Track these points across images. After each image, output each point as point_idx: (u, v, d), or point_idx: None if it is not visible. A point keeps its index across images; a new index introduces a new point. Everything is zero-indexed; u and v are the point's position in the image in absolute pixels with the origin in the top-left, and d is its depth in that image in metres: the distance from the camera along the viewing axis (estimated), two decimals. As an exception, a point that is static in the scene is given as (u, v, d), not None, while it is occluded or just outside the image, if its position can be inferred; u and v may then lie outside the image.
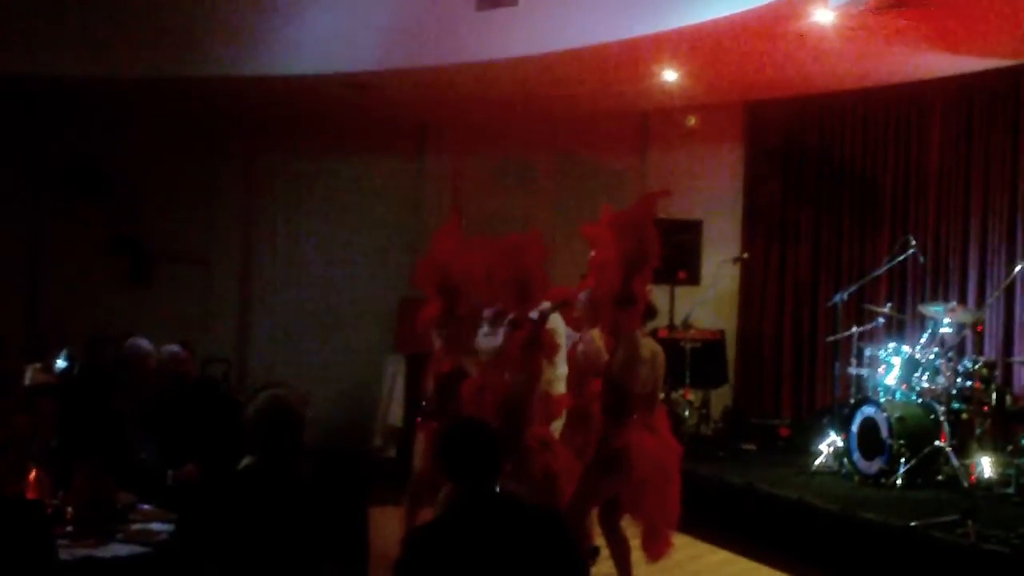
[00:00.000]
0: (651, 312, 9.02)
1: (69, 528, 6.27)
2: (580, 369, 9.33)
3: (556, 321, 9.42)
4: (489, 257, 9.88)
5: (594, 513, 9.32)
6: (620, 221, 9.12)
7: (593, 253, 9.26)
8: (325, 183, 16.53)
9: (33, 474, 6.47)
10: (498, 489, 5.38)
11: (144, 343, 9.23)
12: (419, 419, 10.33)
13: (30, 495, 6.34)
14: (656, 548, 8.60)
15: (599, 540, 9.41)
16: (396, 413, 15.08)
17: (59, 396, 7.94)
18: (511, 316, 9.32)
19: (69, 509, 6.38)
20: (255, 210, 16.76)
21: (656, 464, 8.48)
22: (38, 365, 10.88)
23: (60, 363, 11.30)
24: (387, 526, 10.09)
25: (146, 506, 6.85)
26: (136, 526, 6.45)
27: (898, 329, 13.34)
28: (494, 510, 5.23)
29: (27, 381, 9.82)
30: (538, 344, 9.10)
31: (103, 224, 15.98)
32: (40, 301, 15.67)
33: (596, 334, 9.27)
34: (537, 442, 8.98)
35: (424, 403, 10.26)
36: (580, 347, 9.42)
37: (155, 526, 6.44)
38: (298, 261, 16.53)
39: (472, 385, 9.66)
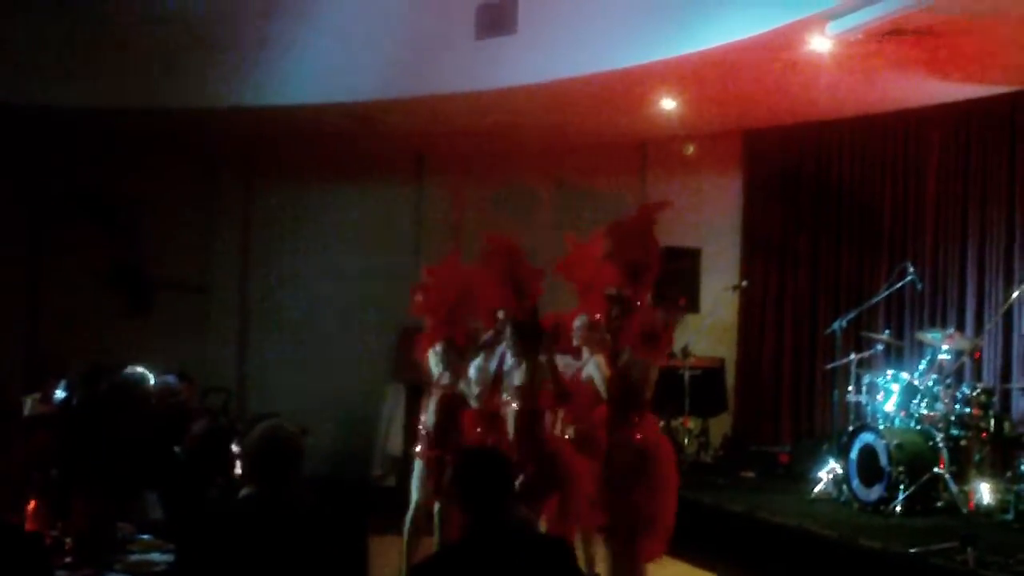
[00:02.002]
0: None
1: (68, 559, 6.26)
2: (587, 394, 9.32)
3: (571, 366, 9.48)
4: (491, 284, 9.97)
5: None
6: (620, 230, 9.20)
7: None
8: (324, 212, 16.54)
9: (32, 505, 6.47)
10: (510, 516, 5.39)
11: (142, 373, 9.24)
12: (419, 447, 10.35)
13: (29, 526, 6.33)
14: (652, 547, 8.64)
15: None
16: (396, 442, 15.05)
17: (58, 426, 7.94)
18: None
19: (68, 540, 6.37)
20: (254, 239, 16.77)
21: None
22: (37, 395, 10.88)
23: (59, 393, 11.29)
24: (387, 555, 10.12)
25: (145, 536, 6.85)
26: (135, 556, 6.44)
27: (896, 356, 13.37)
28: (506, 538, 5.24)
29: (26, 411, 9.81)
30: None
31: (103, 253, 15.98)
32: (40, 331, 15.67)
33: (601, 360, 9.27)
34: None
35: (424, 432, 10.28)
36: (585, 372, 9.42)
37: (154, 556, 6.43)
38: (297, 289, 16.52)
39: (471, 415, 9.70)
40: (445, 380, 10.13)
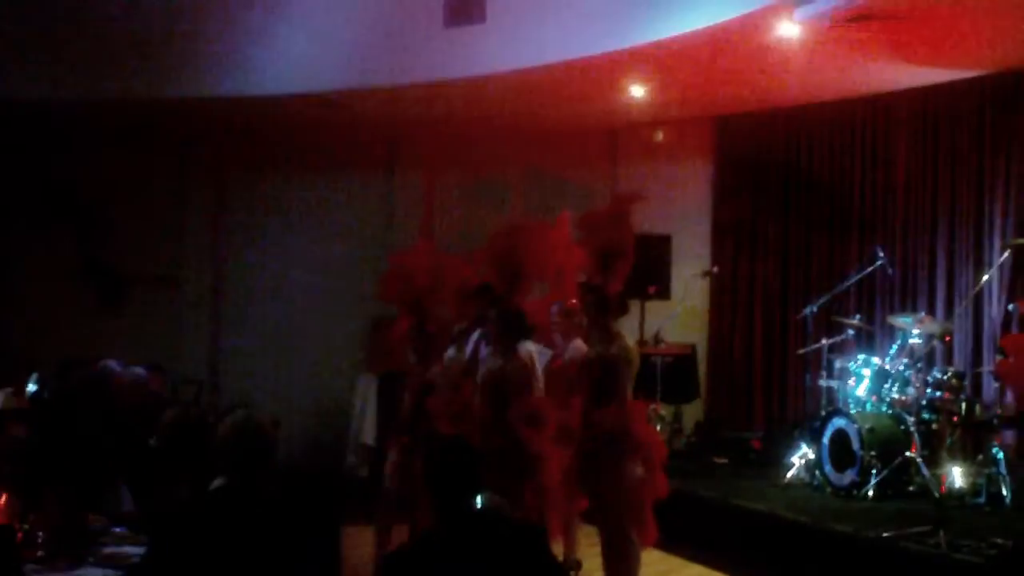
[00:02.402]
0: (623, 307, 9.09)
1: (40, 553, 6.24)
2: (566, 380, 9.30)
3: (527, 347, 9.45)
4: (460, 271, 9.97)
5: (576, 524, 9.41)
6: (594, 219, 9.23)
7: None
8: (295, 202, 16.51)
9: (3, 499, 6.45)
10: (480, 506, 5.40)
11: (115, 365, 9.21)
12: (394, 435, 10.34)
13: (0, 520, 6.31)
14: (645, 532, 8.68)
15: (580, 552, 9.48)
16: (368, 432, 15.05)
17: (30, 420, 7.92)
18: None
19: (40, 534, 6.35)
20: (225, 230, 16.73)
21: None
22: (10, 390, 10.83)
23: (31, 387, 11.25)
24: (360, 545, 10.10)
25: (118, 529, 6.83)
26: (108, 549, 6.42)
27: (867, 341, 13.38)
28: (475, 526, 5.25)
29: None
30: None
31: (73, 247, 15.94)
32: (10, 325, 15.60)
33: (580, 344, 9.28)
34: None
35: (398, 419, 10.27)
36: (567, 356, 9.41)
37: (127, 549, 6.41)
38: (269, 280, 16.48)
39: (439, 401, 9.68)
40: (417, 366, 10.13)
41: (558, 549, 9.28)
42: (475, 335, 9.95)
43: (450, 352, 9.98)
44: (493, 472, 8.66)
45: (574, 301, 9.57)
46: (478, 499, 5.49)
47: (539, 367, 9.42)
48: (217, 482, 5.31)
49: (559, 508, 9.13)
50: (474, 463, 5.37)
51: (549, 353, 9.74)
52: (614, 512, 8.59)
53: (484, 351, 9.73)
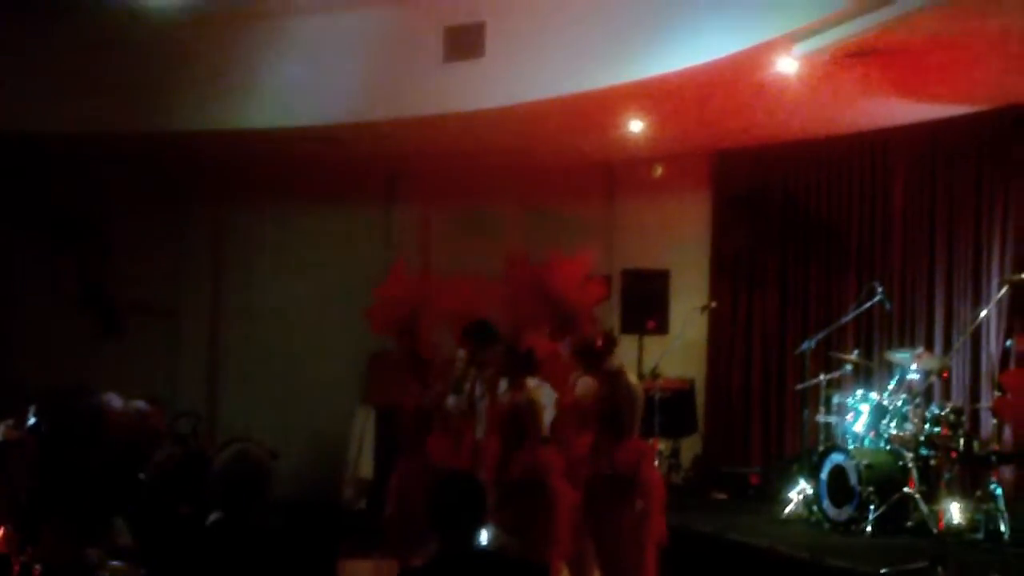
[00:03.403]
0: (610, 344, 9.08)
1: (37, 585, 6.24)
2: (580, 411, 9.22)
3: (538, 393, 9.43)
4: (452, 297, 9.97)
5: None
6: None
7: None
8: (293, 235, 16.52)
9: (1, 531, 6.44)
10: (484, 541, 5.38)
11: (113, 399, 9.20)
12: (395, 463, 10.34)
13: (-2, 552, 6.31)
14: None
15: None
16: (366, 465, 15.04)
17: (28, 452, 7.90)
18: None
19: (37, 567, 6.34)
20: (224, 262, 16.75)
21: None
22: (10, 422, 10.81)
23: (31, 419, 11.23)
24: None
25: (115, 563, 6.81)
26: (105, 582, 6.42)
27: (866, 376, 13.39)
28: (478, 563, 5.23)
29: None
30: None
31: (74, 277, 15.95)
32: (10, 355, 15.58)
33: (589, 379, 9.24)
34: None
35: (398, 446, 10.26)
36: (578, 391, 9.35)
37: (124, 582, 6.41)
38: (267, 313, 16.48)
39: (441, 445, 9.68)
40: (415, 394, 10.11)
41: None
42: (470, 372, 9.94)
43: (451, 400, 9.95)
44: (508, 508, 8.72)
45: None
46: (482, 534, 5.48)
47: (543, 402, 9.42)
48: (214, 516, 5.30)
49: (565, 549, 9.08)
50: (478, 497, 5.36)
51: (546, 386, 9.70)
52: (616, 552, 8.56)
53: (478, 390, 9.76)
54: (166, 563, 5.29)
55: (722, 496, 14.05)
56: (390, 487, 10.14)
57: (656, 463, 12.91)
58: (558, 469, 8.99)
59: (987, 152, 13.19)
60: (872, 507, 11.15)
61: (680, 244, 15.93)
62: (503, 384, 9.66)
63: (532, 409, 9.17)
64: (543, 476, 8.90)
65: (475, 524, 5.30)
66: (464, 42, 13.02)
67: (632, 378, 8.91)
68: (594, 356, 8.82)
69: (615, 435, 8.61)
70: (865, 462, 11.26)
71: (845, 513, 11.38)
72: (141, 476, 8.29)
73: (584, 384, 9.17)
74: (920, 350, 12.19)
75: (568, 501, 8.81)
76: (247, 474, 5.32)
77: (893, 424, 11.66)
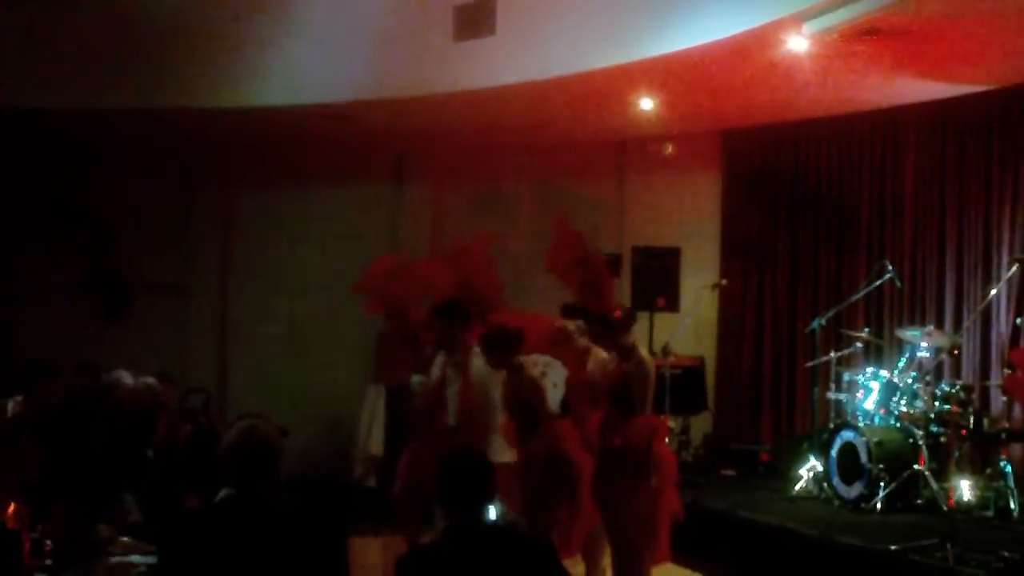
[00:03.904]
0: (628, 319, 9.08)
1: (48, 562, 6.25)
2: (592, 387, 9.20)
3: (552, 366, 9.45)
4: (440, 276, 10.00)
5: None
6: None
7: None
8: (303, 213, 16.52)
9: (12, 507, 6.46)
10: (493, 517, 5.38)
11: (124, 375, 9.23)
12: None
13: (8, 527, 6.32)
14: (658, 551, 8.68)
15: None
16: (377, 442, 15.05)
17: (39, 428, 7.93)
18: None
19: (48, 542, 6.36)
20: (233, 240, 16.76)
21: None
22: (19, 398, 10.84)
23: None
24: (367, 556, 10.11)
25: (125, 538, 6.84)
26: (115, 559, 6.43)
27: (876, 354, 13.40)
28: (486, 539, 5.25)
29: (8, 414, 9.80)
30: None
31: (81, 256, 15.96)
32: (19, 335, 15.61)
33: (601, 352, 9.22)
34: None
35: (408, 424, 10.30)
36: (590, 366, 9.34)
37: (134, 558, 6.42)
38: (276, 291, 16.51)
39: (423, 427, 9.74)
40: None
41: (578, 568, 9.24)
42: (439, 356, 9.94)
43: (416, 378, 9.97)
44: (531, 487, 8.75)
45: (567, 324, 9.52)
46: (491, 511, 5.49)
47: (551, 380, 9.41)
48: (223, 492, 5.31)
49: (584, 525, 9.10)
50: (485, 474, 5.37)
51: (558, 364, 9.68)
52: (627, 528, 8.57)
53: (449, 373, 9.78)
54: (174, 539, 5.30)
55: (732, 473, 14.07)
56: (400, 465, 10.16)
57: (667, 440, 12.97)
58: (576, 443, 9.01)
59: (997, 130, 13.17)
60: (882, 484, 11.15)
61: (691, 222, 15.93)
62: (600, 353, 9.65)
63: (534, 387, 9.20)
64: (564, 450, 8.94)
65: (483, 501, 5.31)
66: (475, 20, 13.01)
67: (645, 353, 8.90)
68: (611, 328, 8.80)
69: (627, 411, 8.61)
70: (875, 439, 11.26)
71: (855, 490, 11.38)
72: (149, 453, 8.34)
73: (597, 359, 9.17)
74: (930, 328, 12.19)
75: (588, 474, 8.84)
76: (256, 450, 5.31)
77: (903, 402, 11.66)
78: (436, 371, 9.87)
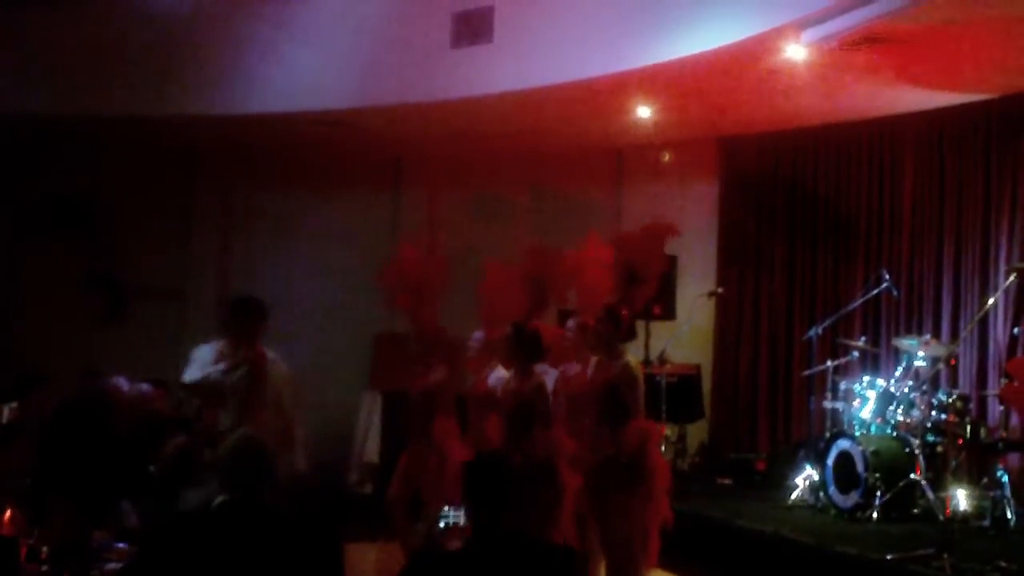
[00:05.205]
0: (631, 332, 9.10)
1: (44, 567, 6.25)
2: (577, 394, 9.17)
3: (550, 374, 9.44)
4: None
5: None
6: (630, 241, 9.28)
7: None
8: (300, 218, 16.51)
9: (8, 513, 6.45)
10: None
11: (121, 382, 9.22)
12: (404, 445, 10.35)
13: (5, 533, 6.31)
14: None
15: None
16: (373, 449, 15.04)
17: (35, 435, 7.92)
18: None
19: (44, 548, 6.36)
20: (231, 246, 16.74)
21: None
22: (14, 404, 10.83)
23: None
24: (363, 563, 10.09)
25: (121, 545, 6.83)
26: (111, 565, 6.43)
27: (872, 363, 13.40)
28: (509, 548, 5.21)
29: (3, 420, 9.79)
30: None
31: (81, 259, 15.95)
32: (17, 337, 15.60)
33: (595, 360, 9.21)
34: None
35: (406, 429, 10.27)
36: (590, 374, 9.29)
37: (130, 565, 6.42)
38: (274, 296, 16.42)
39: (445, 424, 9.70)
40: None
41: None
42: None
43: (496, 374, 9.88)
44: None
45: (590, 320, 9.52)
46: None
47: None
48: (219, 499, 5.32)
49: (565, 534, 9.07)
50: (510, 481, 5.33)
51: (553, 373, 9.67)
52: (623, 537, 8.56)
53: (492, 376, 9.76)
54: (160, 542, 5.29)
55: (728, 482, 14.05)
56: (396, 470, 10.16)
57: (663, 447, 12.96)
58: (566, 454, 8.98)
59: (996, 140, 13.17)
60: (878, 494, 11.14)
61: (687, 230, 15.82)
62: (500, 370, 9.67)
63: (541, 395, 9.17)
64: (554, 461, 8.91)
65: (508, 505, 5.26)
66: (472, 27, 13.02)
67: (631, 358, 8.90)
68: (618, 328, 8.80)
69: (618, 419, 8.60)
70: (872, 448, 11.25)
71: (851, 499, 11.37)
72: (150, 468, 8.34)
73: (597, 367, 9.14)
74: (927, 337, 12.19)
75: (572, 487, 8.80)
76: (251, 458, 5.34)
77: (900, 411, 11.66)
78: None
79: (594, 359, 9.19)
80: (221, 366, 9.31)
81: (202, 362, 9.27)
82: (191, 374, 9.25)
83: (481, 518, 5.22)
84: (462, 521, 5.29)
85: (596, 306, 9.31)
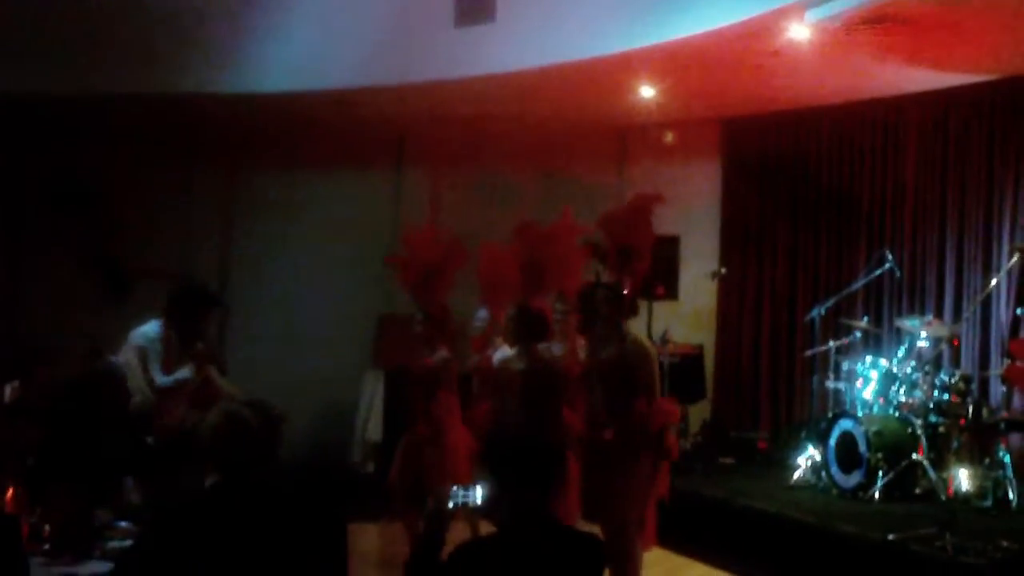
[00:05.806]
0: (635, 307, 9.10)
1: (46, 546, 6.25)
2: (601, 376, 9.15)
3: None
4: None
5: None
6: (615, 218, 9.27)
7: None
8: (303, 198, 16.48)
9: (10, 492, 6.45)
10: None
11: (119, 360, 9.22)
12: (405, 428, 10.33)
13: (6, 511, 6.31)
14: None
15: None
16: (375, 428, 15.05)
17: (37, 413, 7.91)
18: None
19: (46, 527, 6.36)
20: (233, 226, 16.71)
21: None
22: (17, 383, 10.83)
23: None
24: (366, 542, 10.11)
25: (123, 523, 6.83)
26: (114, 543, 6.43)
27: (875, 343, 13.40)
28: (544, 535, 5.17)
29: (5, 398, 9.79)
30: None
31: (81, 241, 15.92)
32: (18, 318, 15.60)
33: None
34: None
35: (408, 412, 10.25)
36: (603, 355, 9.25)
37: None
38: (276, 276, 16.47)
39: (447, 404, 9.70)
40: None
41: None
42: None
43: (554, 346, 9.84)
44: None
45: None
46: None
47: None
48: (211, 479, 5.23)
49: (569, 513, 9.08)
50: (547, 464, 5.25)
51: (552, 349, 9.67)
52: (620, 511, 8.55)
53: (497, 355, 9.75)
54: (163, 525, 5.26)
55: (730, 461, 14.07)
56: (397, 450, 10.15)
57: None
58: (574, 434, 8.99)
59: (1000, 120, 13.17)
60: (880, 474, 11.17)
61: (690, 210, 15.92)
62: (505, 349, 9.66)
63: (552, 372, 9.18)
64: (561, 442, 8.90)
65: (544, 489, 5.17)
66: (475, 7, 12.97)
67: (643, 338, 8.91)
68: (619, 310, 8.79)
69: (632, 393, 8.60)
70: (874, 429, 11.27)
71: (853, 479, 11.40)
72: (148, 438, 8.34)
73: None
74: (930, 317, 12.22)
75: (575, 468, 8.80)
76: (236, 436, 5.22)
77: (902, 391, 11.68)
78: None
79: (582, 340, 9.22)
80: (186, 371, 9.38)
81: (154, 352, 9.40)
82: (163, 380, 9.35)
83: (509, 498, 5.15)
84: (471, 501, 5.17)
85: (571, 284, 9.32)
